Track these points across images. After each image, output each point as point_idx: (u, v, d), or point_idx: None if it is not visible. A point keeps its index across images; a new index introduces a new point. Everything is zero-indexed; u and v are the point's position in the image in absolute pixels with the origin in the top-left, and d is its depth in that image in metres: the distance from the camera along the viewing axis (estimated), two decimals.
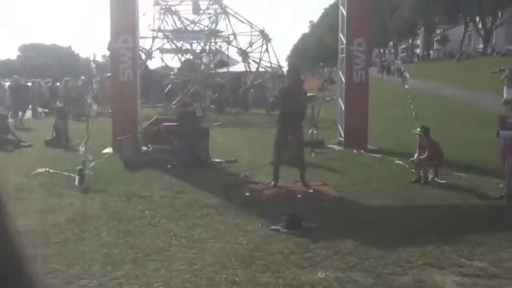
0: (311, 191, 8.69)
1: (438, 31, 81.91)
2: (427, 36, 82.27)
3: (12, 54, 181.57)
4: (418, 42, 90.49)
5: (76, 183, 9.04)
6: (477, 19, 65.38)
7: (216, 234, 6.35)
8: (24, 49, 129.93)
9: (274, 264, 5.31)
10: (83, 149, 9.47)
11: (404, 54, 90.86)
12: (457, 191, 8.78)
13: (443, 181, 9.34)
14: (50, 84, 30.23)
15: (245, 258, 5.48)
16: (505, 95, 19.87)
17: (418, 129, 9.71)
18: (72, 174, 9.47)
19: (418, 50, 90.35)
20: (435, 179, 9.40)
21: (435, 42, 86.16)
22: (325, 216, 7.13)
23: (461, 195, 8.47)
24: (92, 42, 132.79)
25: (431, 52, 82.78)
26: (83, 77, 29.32)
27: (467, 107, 23.39)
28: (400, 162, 11.10)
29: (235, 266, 5.25)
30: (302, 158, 9.35)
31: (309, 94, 11.17)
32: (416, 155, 9.59)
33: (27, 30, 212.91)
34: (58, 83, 28.84)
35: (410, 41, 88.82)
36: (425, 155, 9.35)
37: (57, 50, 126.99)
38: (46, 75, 58.30)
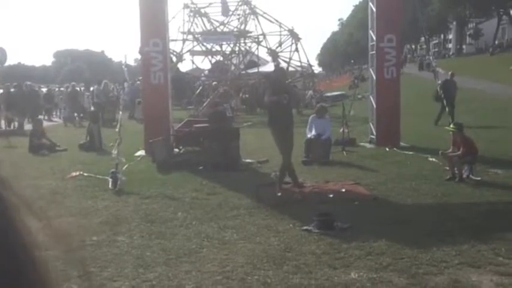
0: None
1: (470, 25, 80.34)
2: (459, 31, 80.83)
3: (48, 60, 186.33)
4: (451, 36, 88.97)
5: (109, 185, 9.16)
6: (511, 11, 63.86)
7: (247, 235, 6.35)
8: (59, 55, 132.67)
9: (306, 264, 5.27)
10: (116, 152, 9.61)
11: (436, 49, 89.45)
12: (492, 188, 8.59)
13: (479, 178, 9.13)
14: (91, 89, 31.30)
15: (276, 259, 5.46)
16: None
17: (452, 126, 9.54)
18: (106, 177, 9.61)
19: (450, 45, 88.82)
20: (470, 176, 9.19)
21: (468, 37, 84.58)
22: (357, 216, 7.06)
23: (498, 192, 8.28)
24: (124, 47, 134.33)
25: (464, 47, 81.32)
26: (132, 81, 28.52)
27: (501, 101, 22.88)
28: (433, 159, 10.87)
29: (266, 267, 5.23)
30: (288, 164, 8.95)
31: (336, 93, 11.06)
32: (449, 150, 9.43)
33: (61, 37, 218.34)
34: (92, 88, 29.37)
35: (442, 36, 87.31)
36: (459, 152, 9.17)
37: (91, 55, 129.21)
38: (80, 80, 59.25)
